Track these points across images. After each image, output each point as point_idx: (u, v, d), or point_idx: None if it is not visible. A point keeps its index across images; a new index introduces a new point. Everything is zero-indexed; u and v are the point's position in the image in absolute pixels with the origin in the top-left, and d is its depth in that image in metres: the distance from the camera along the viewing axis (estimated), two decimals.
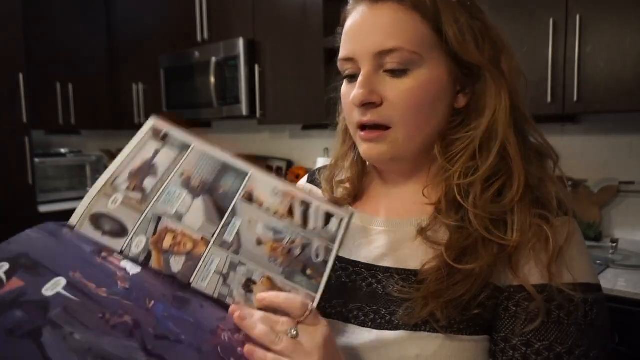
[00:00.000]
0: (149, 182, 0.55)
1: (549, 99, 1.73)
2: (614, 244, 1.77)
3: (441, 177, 0.60)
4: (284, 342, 0.48)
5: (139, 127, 0.58)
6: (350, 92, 0.60)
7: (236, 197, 0.55)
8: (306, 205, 0.55)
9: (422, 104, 0.58)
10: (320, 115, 2.24)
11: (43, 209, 2.96)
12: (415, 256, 0.59)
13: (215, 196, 0.55)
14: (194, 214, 0.54)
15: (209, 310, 0.50)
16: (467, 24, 0.57)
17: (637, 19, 1.58)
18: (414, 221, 0.61)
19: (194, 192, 0.55)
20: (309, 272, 0.53)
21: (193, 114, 2.85)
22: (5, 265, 0.43)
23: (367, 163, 0.70)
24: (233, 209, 0.55)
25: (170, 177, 0.55)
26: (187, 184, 0.55)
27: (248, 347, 0.48)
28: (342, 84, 0.64)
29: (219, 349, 0.46)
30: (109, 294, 0.45)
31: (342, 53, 0.61)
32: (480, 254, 0.54)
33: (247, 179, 0.56)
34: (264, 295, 0.51)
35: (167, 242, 0.52)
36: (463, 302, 0.54)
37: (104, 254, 0.50)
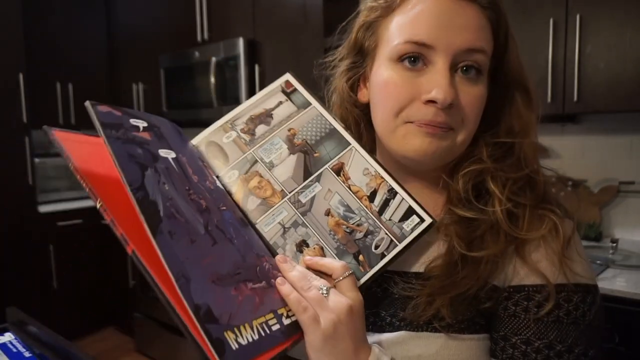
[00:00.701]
0: (260, 129, 0.63)
1: (549, 99, 1.73)
2: (614, 244, 1.77)
3: (463, 171, 0.60)
4: (313, 292, 0.50)
5: None
6: (409, 80, 0.56)
7: (326, 165, 0.59)
8: (392, 195, 0.56)
9: (479, 114, 0.58)
10: None
11: (43, 209, 2.94)
12: (417, 259, 0.59)
13: (309, 158, 0.60)
14: (284, 167, 0.60)
15: (261, 244, 0.56)
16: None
17: (637, 19, 1.58)
18: None
19: (293, 149, 0.61)
20: (360, 258, 0.55)
21: (193, 114, 2.85)
22: (145, 123, 0.57)
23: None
24: (319, 175, 0.59)
25: (280, 129, 0.63)
26: (290, 139, 0.62)
27: (280, 279, 0.51)
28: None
29: (257, 268, 0.52)
30: (198, 182, 0.56)
31: (417, 35, 0.55)
32: (487, 243, 0.55)
33: (346, 150, 0.60)
34: (310, 257, 0.54)
35: (252, 183, 0.60)
36: (468, 298, 0.54)
37: (205, 163, 0.62)
